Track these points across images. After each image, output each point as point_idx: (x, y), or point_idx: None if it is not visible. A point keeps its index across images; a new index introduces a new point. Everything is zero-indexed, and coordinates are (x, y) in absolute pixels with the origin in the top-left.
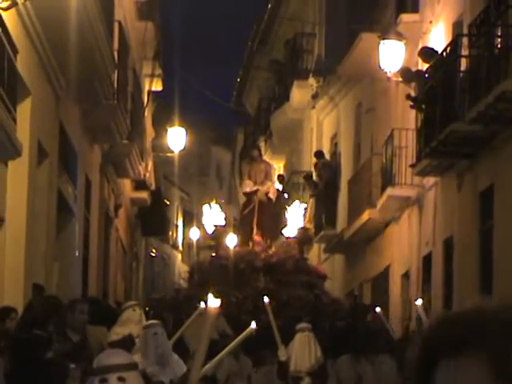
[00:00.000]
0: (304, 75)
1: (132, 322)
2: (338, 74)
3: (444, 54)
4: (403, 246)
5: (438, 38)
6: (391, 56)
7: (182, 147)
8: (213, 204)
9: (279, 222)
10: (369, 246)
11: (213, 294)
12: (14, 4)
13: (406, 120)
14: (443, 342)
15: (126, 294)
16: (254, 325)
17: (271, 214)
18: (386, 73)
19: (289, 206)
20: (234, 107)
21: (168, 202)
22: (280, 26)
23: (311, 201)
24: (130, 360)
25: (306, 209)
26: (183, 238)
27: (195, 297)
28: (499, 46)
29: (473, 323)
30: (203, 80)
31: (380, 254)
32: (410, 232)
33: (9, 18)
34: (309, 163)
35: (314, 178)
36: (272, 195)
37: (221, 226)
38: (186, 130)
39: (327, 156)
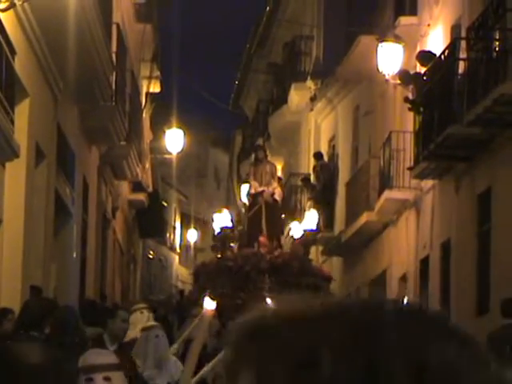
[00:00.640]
0: (302, 78)
1: (139, 325)
2: (336, 76)
3: (442, 56)
4: (401, 248)
5: (436, 40)
6: (389, 59)
7: (179, 149)
8: (224, 211)
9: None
10: (366, 248)
11: (210, 296)
12: (12, 5)
13: (404, 123)
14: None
15: (124, 296)
16: None
17: (277, 216)
18: (384, 75)
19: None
20: (232, 109)
21: (165, 204)
22: (278, 28)
23: (309, 203)
24: (115, 360)
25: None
26: (181, 240)
27: (200, 299)
28: (497, 49)
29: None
30: (201, 82)
31: (378, 256)
32: (407, 235)
33: (7, 20)
34: (307, 165)
35: (312, 180)
36: (278, 196)
37: (228, 227)
38: (184, 132)
39: (325, 158)
